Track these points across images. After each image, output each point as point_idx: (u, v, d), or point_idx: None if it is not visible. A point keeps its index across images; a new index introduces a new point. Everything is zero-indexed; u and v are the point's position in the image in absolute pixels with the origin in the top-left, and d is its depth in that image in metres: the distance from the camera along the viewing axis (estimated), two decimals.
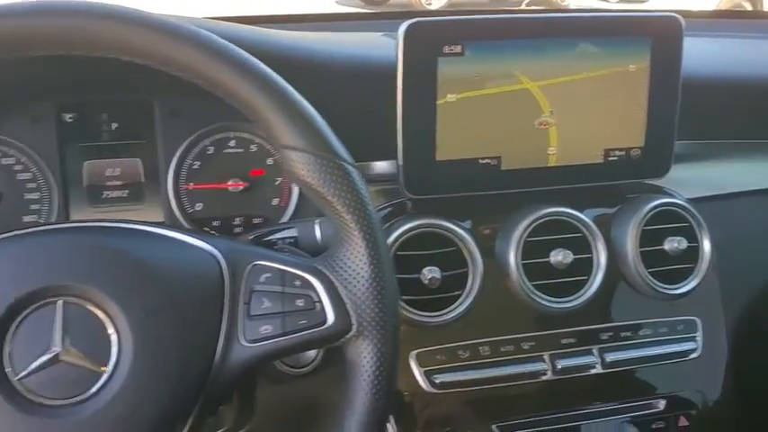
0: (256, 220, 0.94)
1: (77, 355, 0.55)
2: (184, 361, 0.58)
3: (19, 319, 0.55)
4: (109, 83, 0.88)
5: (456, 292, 0.86)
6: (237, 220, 0.94)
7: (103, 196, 0.90)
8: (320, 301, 0.61)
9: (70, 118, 0.88)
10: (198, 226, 0.91)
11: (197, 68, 0.60)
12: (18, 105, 0.87)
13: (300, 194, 0.94)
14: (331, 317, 0.61)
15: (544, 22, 0.88)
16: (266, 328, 0.60)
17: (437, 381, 0.86)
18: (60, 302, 0.56)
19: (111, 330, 0.56)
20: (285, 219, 0.95)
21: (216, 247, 0.62)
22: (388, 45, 0.89)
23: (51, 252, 0.57)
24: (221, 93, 0.61)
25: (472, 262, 0.86)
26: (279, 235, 0.75)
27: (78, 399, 0.55)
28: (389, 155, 0.85)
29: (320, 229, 0.74)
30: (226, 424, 0.81)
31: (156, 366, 0.57)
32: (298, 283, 0.61)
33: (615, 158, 0.90)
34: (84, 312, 0.56)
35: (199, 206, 0.93)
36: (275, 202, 0.95)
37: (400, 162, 0.83)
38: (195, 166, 0.92)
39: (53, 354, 0.55)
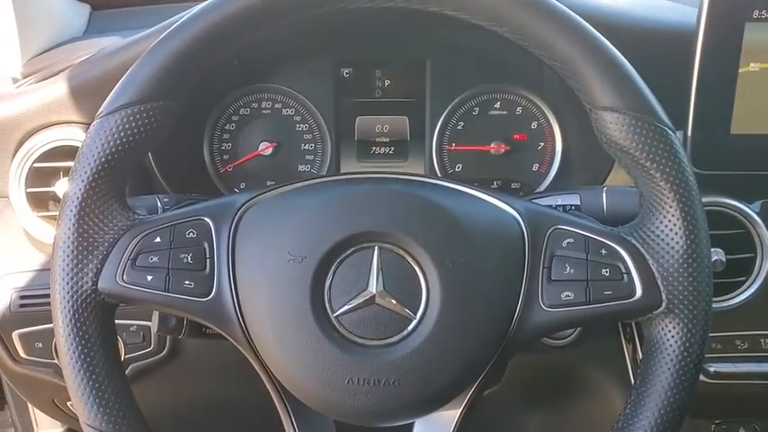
0: (514, 185, 0.93)
1: (391, 299, 0.57)
2: (487, 316, 0.58)
3: (339, 259, 0.58)
4: (386, 40, 0.90)
5: (740, 278, 0.80)
6: (495, 184, 0.93)
7: (372, 152, 0.93)
8: (628, 273, 0.58)
9: (347, 73, 0.92)
10: None
11: (517, 21, 0.57)
12: (300, 59, 0.91)
13: (561, 162, 0.92)
14: (639, 290, 0.58)
15: None
16: (568, 295, 0.58)
17: (711, 370, 0.80)
18: (376, 247, 0.58)
19: (420, 279, 0.58)
20: (544, 186, 0.92)
21: (515, 209, 0.61)
22: (678, 9, 0.84)
23: (372, 199, 0.59)
24: (535, 46, 0.58)
25: (762, 247, 0.79)
26: (559, 201, 0.73)
27: (389, 341, 0.57)
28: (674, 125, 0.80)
29: (607, 197, 0.71)
30: None
31: (461, 319, 0.57)
32: (603, 251, 0.59)
33: None
34: (397, 259, 0.58)
35: (459, 167, 0.93)
36: (535, 167, 0.92)
37: (689, 133, 0.77)
38: (459, 127, 0.92)
39: (370, 296, 0.57)
